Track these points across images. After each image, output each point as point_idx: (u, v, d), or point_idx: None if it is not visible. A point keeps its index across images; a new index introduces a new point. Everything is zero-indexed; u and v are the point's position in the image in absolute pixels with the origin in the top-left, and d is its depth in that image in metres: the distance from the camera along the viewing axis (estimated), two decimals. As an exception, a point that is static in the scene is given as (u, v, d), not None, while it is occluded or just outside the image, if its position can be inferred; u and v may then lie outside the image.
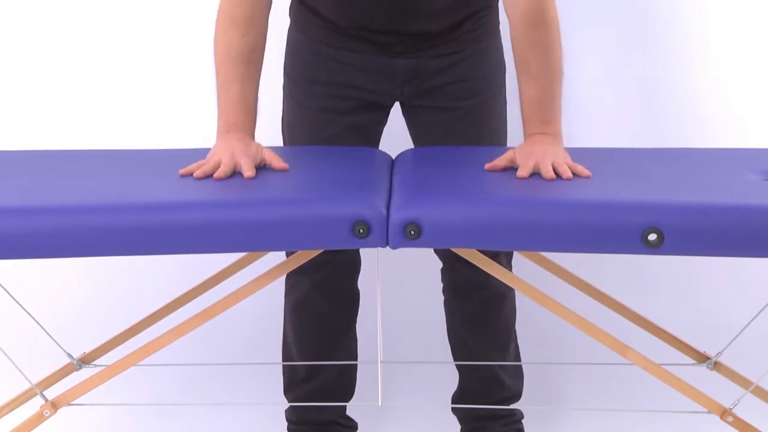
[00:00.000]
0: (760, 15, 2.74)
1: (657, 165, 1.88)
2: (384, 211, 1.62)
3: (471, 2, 2.07)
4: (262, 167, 1.84)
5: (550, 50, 1.90)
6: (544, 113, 1.89)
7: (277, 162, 1.84)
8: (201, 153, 1.96)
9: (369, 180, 1.78)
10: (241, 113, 1.88)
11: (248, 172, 1.78)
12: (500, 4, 2.10)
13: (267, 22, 1.95)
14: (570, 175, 1.76)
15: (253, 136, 1.89)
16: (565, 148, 1.87)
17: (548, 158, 1.78)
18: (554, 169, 1.77)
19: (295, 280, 2.22)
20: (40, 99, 2.80)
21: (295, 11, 2.15)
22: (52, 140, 2.75)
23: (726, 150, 2.05)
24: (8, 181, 1.78)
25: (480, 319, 2.24)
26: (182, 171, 1.80)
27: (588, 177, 1.77)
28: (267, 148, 1.86)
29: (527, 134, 1.89)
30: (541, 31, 1.90)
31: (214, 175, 1.78)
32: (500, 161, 1.83)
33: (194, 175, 1.78)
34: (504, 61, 2.18)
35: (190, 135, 2.53)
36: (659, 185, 1.73)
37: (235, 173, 1.80)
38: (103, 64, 2.79)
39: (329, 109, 2.11)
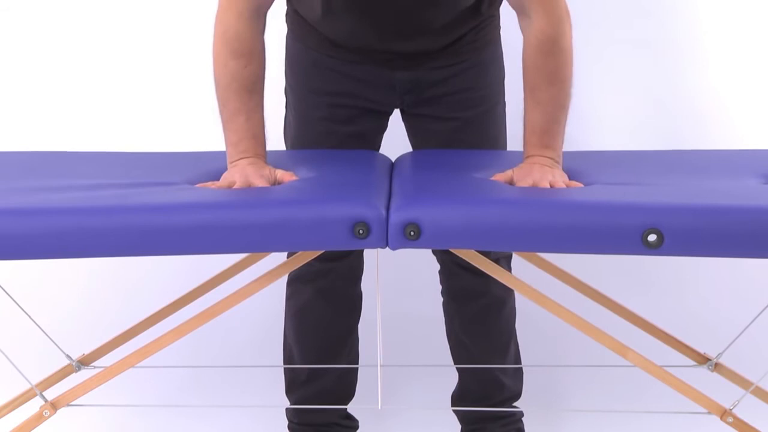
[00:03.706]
0: (760, 17, 2.74)
1: (657, 167, 1.88)
2: (384, 211, 1.62)
3: (471, 20, 2.04)
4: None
5: (561, 80, 1.87)
6: (546, 139, 1.87)
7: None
8: (203, 156, 1.96)
9: (369, 181, 1.78)
10: (250, 143, 1.86)
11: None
12: (501, 9, 2.11)
13: (265, 48, 1.92)
14: None
15: (265, 161, 1.87)
16: (565, 155, 1.88)
17: (546, 180, 1.78)
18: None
19: (296, 287, 2.21)
20: (40, 99, 2.80)
21: (291, 20, 2.13)
22: (53, 140, 2.74)
23: (726, 152, 2.05)
24: (8, 181, 1.78)
25: (479, 324, 2.23)
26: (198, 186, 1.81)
27: None
28: (280, 170, 1.84)
29: (526, 155, 1.88)
30: (555, 60, 1.86)
31: None
32: (499, 178, 1.82)
33: None
34: (504, 69, 2.17)
35: (193, 137, 2.54)
36: (659, 187, 1.73)
37: None
38: (104, 64, 2.79)
39: (328, 119, 2.10)
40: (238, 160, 1.85)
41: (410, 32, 2.00)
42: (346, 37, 2.03)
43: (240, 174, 1.80)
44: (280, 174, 1.83)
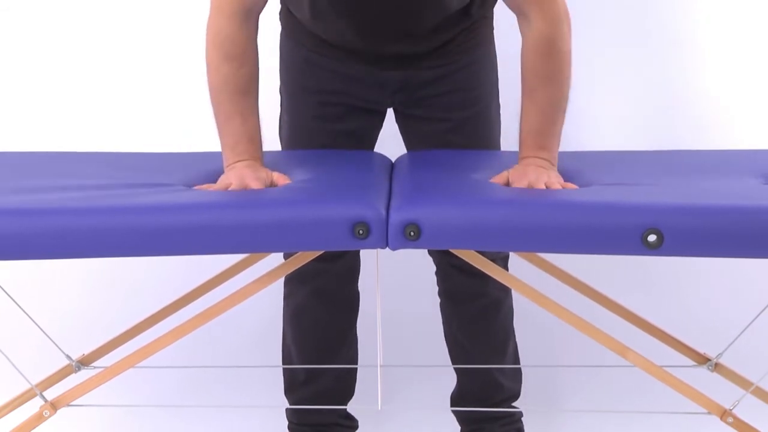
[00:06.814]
0: (759, 17, 2.74)
1: (655, 167, 1.88)
2: (384, 212, 1.62)
3: (461, 23, 2.03)
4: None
5: (559, 82, 1.87)
6: (542, 140, 1.86)
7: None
8: (202, 156, 1.96)
9: (369, 181, 1.78)
10: (247, 145, 1.86)
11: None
12: (495, 11, 2.11)
13: (257, 50, 1.91)
14: None
15: (261, 164, 1.87)
16: (562, 154, 1.87)
17: (541, 181, 1.77)
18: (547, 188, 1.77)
19: (292, 287, 2.21)
20: (40, 99, 2.80)
21: (284, 17, 2.13)
22: (53, 140, 2.75)
23: (725, 152, 2.05)
24: (9, 181, 1.78)
25: (477, 325, 2.23)
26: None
27: None
28: (276, 173, 1.84)
29: (522, 156, 1.87)
30: (552, 61, 1.86)
31: None
32: (495, 180, 1.82)
33: None
34: (497, 69, 2.16)
35: (191, 137, 2.53)
36: (658, 187, 1.73)
37: None
38: (103, 65, 2.79)
39: (321, 117, 2.09)
40: (235, 162, 1.85)
41: (398, 36, 1.99)
42: (336, 38, 2.02)
43: (236, 176, 1.79)
44: (276, 176, 1.82)
